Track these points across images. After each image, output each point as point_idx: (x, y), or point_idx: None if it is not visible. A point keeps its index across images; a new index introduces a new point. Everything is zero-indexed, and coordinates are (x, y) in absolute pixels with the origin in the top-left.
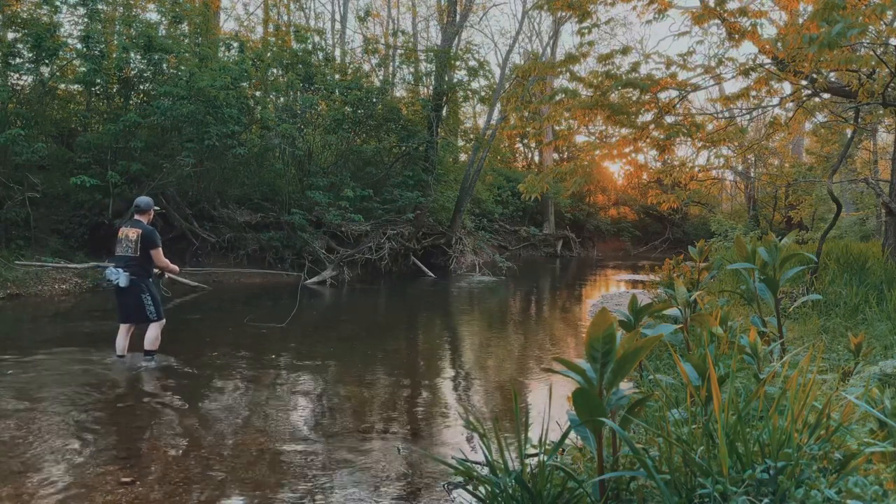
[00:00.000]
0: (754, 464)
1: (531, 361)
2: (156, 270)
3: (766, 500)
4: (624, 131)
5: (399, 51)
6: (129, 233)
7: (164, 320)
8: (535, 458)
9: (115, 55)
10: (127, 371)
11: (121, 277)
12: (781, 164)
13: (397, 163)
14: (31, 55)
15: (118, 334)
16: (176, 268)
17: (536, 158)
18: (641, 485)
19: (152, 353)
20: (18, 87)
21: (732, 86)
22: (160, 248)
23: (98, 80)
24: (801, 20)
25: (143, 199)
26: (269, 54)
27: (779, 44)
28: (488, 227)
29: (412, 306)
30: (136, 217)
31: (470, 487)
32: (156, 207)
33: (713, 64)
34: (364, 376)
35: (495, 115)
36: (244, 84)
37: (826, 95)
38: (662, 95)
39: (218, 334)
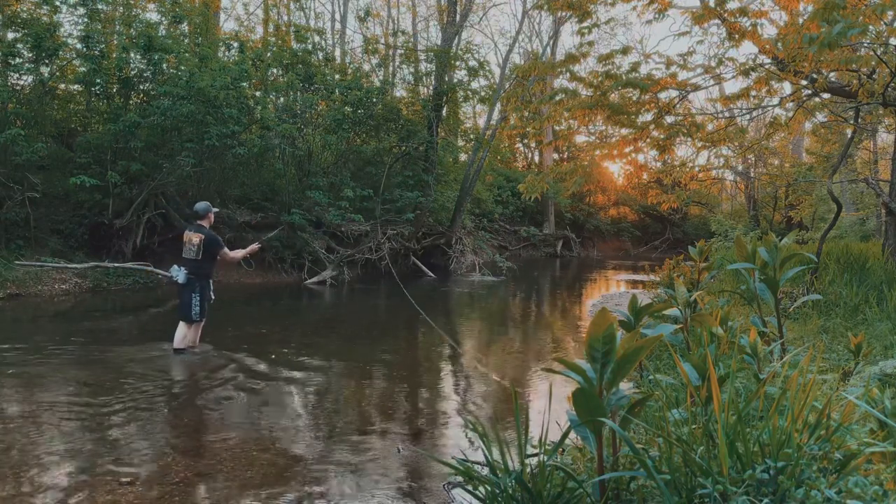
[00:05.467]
0: (754, 464)
1: (531, 361)
2: (236, 259)
3: (766, 500)
4: (624, 131)
5: (399, 51)
6: (193, 237)
7: (202, 322)
8: (536, 458)
9: (115, 55)
10: (127, 370)
11: (180, 274)
12: (781, 164)
13: (397, 163)
14: (31, 55)
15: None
16: (244, 252)
17: (536, 158)
18: (641, 485)
19: (182, 351)
20: (18, 87)
21: (732, 86)
22: (225, 247)
23: (98, 80)
24: (801, 20)
25: (202, 205)
26: (269, 54)
27: (779, 44)
28: (488, 227)
29: (412, 306)
30: (198, 223)
31: (470, 487)
32: (214, 209)
33: (713, 64)
34: (364, 376)
35: (495, 115)
36: (244, 84)
37: (826, 95)
38: (662, 95)
39: (217, 334)
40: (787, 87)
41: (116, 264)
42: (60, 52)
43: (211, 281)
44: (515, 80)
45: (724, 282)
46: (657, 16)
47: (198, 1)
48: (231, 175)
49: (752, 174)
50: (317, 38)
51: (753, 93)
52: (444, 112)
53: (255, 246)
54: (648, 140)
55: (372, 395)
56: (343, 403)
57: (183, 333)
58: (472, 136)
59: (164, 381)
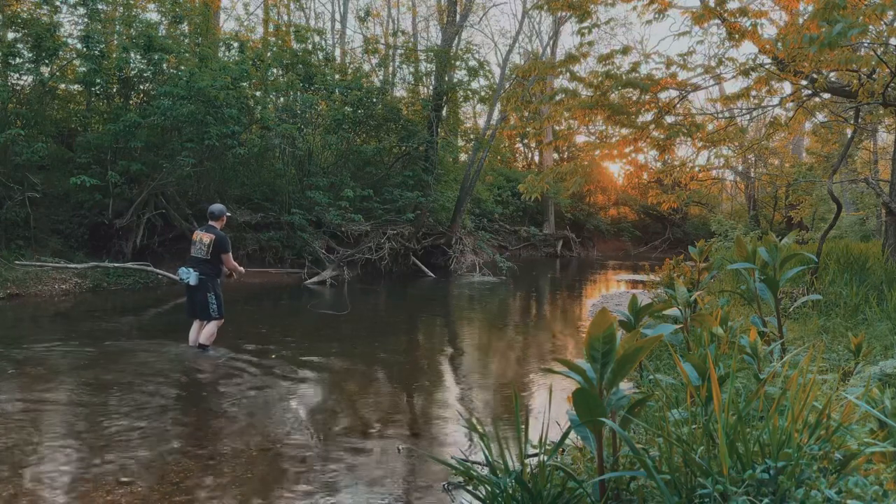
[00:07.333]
0: (754, 464)
1: (531, 361)
2: (225, 271)
3: (766, 500)
4: (624, 131)
5: (399, 51)
6: (203, 237)
7: (223, 319)
8: (536, 459)
9: (115, 55)
10: (128, 370)
11: (191, 276)
12: (781, 164)
13: (397, 163)
14: (31, 55)
15: (191, 329)
16: (243, 270)
17: (536, 158)
18: (641, 485)
19: (206, 347)
20: (18, 87)
21: (732, 86)
22: (230, 253)
23: (98, 80)
24: (801, 20)
25: (217, 207)
26: (269, 54)
27: (779, 44)
28: (488, 227)
29: (412, 306)
30: (211, 223)
31: (470, 487)
32: (228, 214)
33: (713, 64)
34: (364, 376)
35: (495, 115)
36: (244, 84)
37: (826, 95)
38: (662, 95)
39: (218, 334)
40: (787, 87)
41: (116, 264)
42: (60, 52)
43: (219, 280)
44: (515, 80)
45: (724, 282)
46: (657, 16)
47: (198, 1)
48: (231, 175)
49: (752, 174)
50: (317, 38)
51: (753, 93)
52: (444, 112)
53: (243, 270)
54: (648, 140)
55: (372, 395)
56: (343, 403)
57: (210, 331)
58: (472, 136)
59: (164, 381)
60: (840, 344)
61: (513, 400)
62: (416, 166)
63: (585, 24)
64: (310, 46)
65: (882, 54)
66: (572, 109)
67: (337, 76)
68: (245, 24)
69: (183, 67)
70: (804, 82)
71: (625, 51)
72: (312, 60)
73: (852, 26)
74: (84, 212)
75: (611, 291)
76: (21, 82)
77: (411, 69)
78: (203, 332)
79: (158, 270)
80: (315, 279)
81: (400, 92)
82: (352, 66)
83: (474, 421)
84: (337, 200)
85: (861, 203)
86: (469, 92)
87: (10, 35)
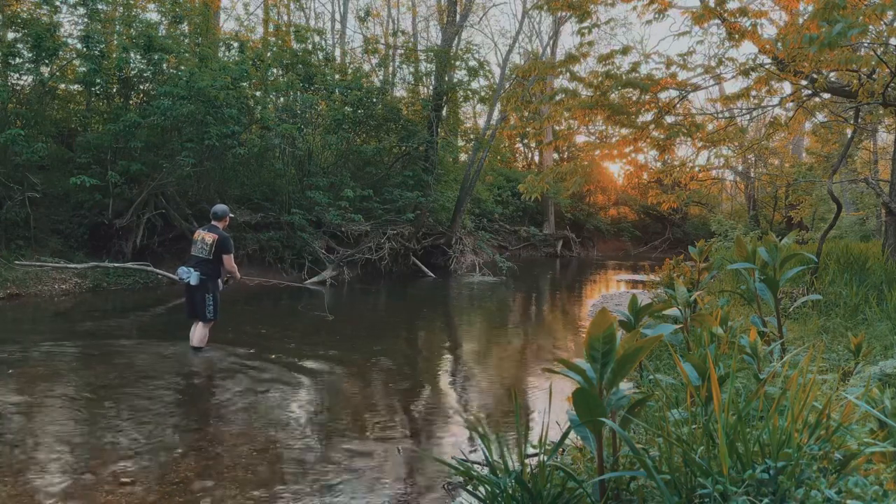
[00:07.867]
0: (754, 464)
1: (531, 361)
2: (224, 275)
3: (766, 500)
4: (624, 131)
5: (399, 51)
6: (206, 236)
7: (216, 320)
8: (535, 458)
9: (115, 55)
10: (127, 370)
11: (192, 276)
12: (781, 164)
13: (397, 163)
14: (31, 55)
15: (192, 329)
16: (239, 275)
17: (536, 158)
18: (641, 485)
19: (200, 349)
20: (18, 87)
21: (732, 86)
22: (232, 255)
23: (98, 80)
24: (801, 20)
25: (221, 207)
26: (269, 54)
27: (779, 44)
28: (488, 227)
29: (412, 306)
30: (214, 223)
31: (470, 487)
32: (231, 215)
33: (713, 64)
34: (364, 376)
35: (495, 115)
36: (244, 84)
37: (826, 95)
38: (662, 95)
39: (218, 334)
40: (787, 87)
41: (116, 264)
42: (60, 52)
43: (220, 280)
44: (515, 80)
45: (724, 282)
46: (657, 16)
47: (198, 1)
48: (231, 175)
49: (752, 174)
50: (317, 38)
51: (753, 93)
52: (444, 112)
53: (238, 275)
54: (648, 140)
55: (372, 395)
56: (343, 403)
57: (202, 333)
58: (472, 136)
59: (164, 381)
60: (840, 344)
61: (513, 400)
62: (416, 166)
63: (585, 25)
64: (310, 46)
65: (882, 54)
66: (572, 109)
67: (337, 76)
68: (245, 24)
69: (183, 67)
70: (804, 82)
71: (625, 51)
72: (312, 60)
73: (852, 26)
74: (84, 212)
75: (611, 291)
76: (21, 82)
77: (411, 69)
78: (196, 333)
79: (158, 270)
80: (315, 279)
81: (400, 92)
82: (352, 66)
83: (474, 421)
84: (337, 200)
85: (861, 203)
86: (469, 92)
87: (10, 35)
